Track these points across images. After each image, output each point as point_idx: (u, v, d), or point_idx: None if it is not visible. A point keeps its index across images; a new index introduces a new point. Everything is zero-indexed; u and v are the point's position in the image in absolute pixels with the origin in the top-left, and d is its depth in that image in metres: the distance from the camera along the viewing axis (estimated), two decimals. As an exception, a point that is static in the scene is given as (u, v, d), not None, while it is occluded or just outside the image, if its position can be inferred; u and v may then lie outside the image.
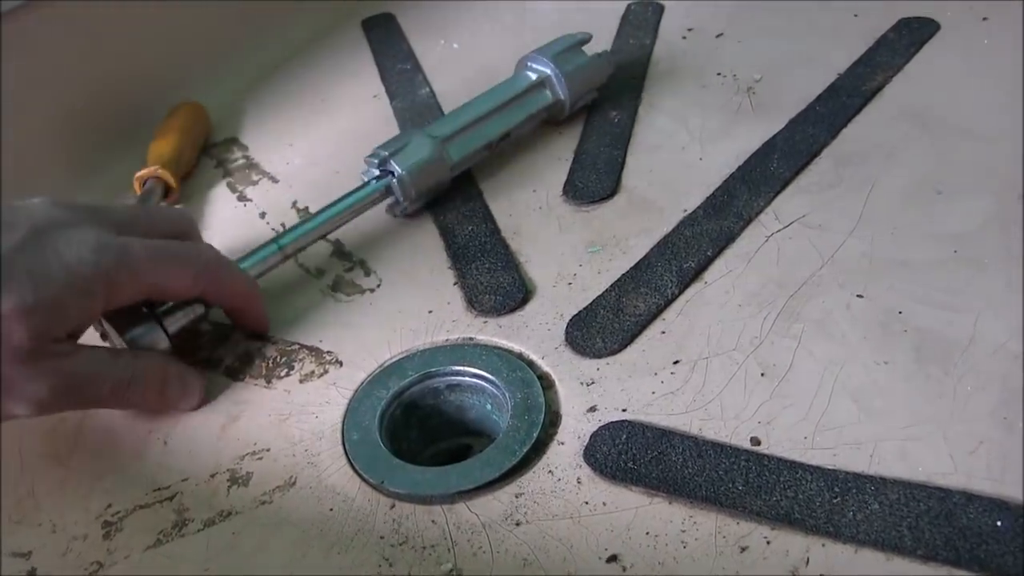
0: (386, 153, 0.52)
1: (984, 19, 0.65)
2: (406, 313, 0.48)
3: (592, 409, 0.41)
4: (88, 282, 0.40)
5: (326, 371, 0.46)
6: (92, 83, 0.62)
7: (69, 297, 0.39)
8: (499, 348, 0.44)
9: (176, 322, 0.45)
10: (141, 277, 0.42)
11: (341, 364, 0.46)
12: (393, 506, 0.39)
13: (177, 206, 0.59)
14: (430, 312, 0.48)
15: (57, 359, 0.39)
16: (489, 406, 0.44)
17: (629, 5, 0.75)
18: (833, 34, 0.67)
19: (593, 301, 0.47)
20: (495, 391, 0.43)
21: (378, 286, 0.51)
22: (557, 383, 0.43)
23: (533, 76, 0.59)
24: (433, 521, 0.38)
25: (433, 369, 0.44)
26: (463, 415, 0.45)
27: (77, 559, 0.39)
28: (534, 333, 0.46)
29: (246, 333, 0.49)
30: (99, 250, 0.40)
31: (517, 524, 0.37)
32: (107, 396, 0.42)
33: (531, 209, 0.55)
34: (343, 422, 0.43)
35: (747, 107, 0.61)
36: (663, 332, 0.45)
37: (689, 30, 0.71)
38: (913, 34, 0.64)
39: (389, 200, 0.54)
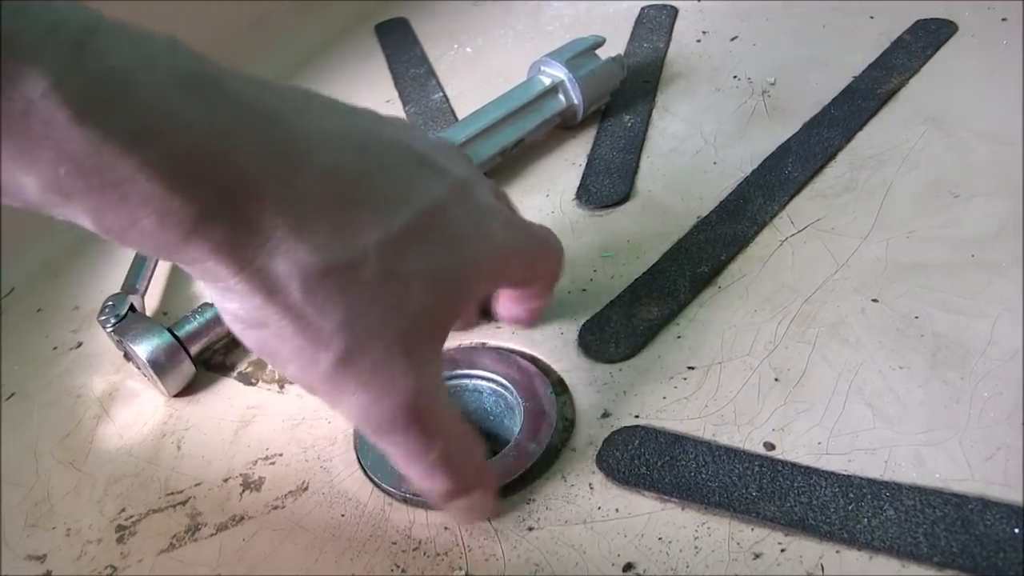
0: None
1: (1003, 20, 0.65)
2: (419, 318, 0.48)
3: (605, 415, 0.41)
4: (499, 260, 0.34)
5: (339, 376, 0.46)
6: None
7: (473, 280, 0.34)
8: (512, 352, 0.44)
9: (197, 343, 0.45)
10: (536, 268, 0.38)
11: (354, 369, 0.46)
12: (405, 511, 0.39)
13: None
14: (443, 317, 0.48)
15: (430, 365, 0.32)
16: (502, 411, 0.44)
17: (643, 8, 0.74)
18: (848, 36, 0.66)
19: (606, 306, 0.47)
20: (508, 396, 0.43)
21: (391, 291, 0.51)
22: (570, 388, 0.43)
23: (546, 81, 0.59)
24: (446, 527, 0.38)
25: (446, 373, 0.44)
26: (476, 420, 0.45)
27: (91, 562, 0.39)
28: (547, 338, 0.46)
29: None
30: (509, 226, 0.35)
31: (530, 530, 0.37)
32: (420, 457, 0.33)
33: (544, 214, 0.54)
34: (356, 427, 0.43)
35: (762, 110, 0.60)
36: (677, 337, 0.45)
37: (703, 33, 0.70)
38: (930, 36, 0.64)
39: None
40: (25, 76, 0.23)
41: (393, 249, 0.30)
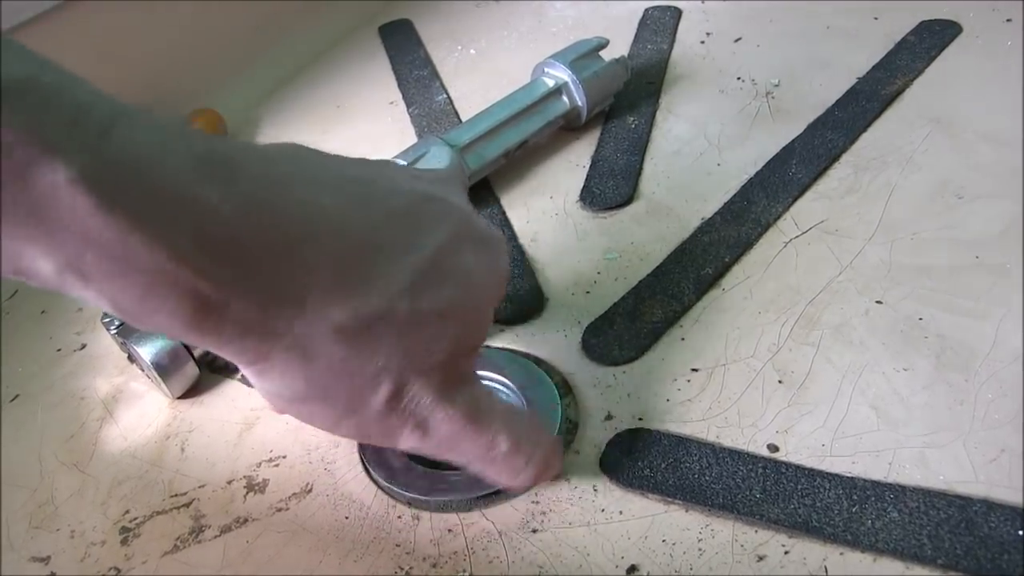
0: (405, 163, 0.52)
1: (1007, 20, 0.64)
2: (423, 320, 0.48)
3: (609, 417, 0.41)
4: (502, 283, 0.36)
5: (343, 378, 0.46)
6: (108, 90, 0.63)
7: (489, 306, 0.35)
8: (516, 354, 0.44)
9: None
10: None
11: (358, 371, 0.46)
12: (409, 513, 0.39)
13: None
14: (447, 319, 0.48)
15: (468, 385, 0.34)
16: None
17: (647, 9, 0.74)
18: (853, 37, 0.66)
19: (610, 308, 0.47)
20: (512, 397, 0.43)
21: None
22: (574, 390, 0.43)
23: (550, 82, 0.59)
24: (449, 529, 0.38)
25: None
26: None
27: (95, 564, 0.39)
28: (551, 340, 0.46)
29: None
30: (502, 244, 0.36)
31: (533, 532, 0.37)
32: (494, 454, 0.34)
33: (548, 216, 0.54)
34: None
35: (765, 112, 0.60)
36: (681, 339, 0.45)
37: (707, 34, 0.70)
38: (934, 37, 0.64)
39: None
40: (52, 164, 0.23)
41: (418, 290, 0.31)
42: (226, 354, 0.29)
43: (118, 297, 0.26)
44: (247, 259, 0.27)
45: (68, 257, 0.25)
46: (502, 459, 0.34)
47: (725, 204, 0.52)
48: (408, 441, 0.33)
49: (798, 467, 0.37)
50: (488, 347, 0.45)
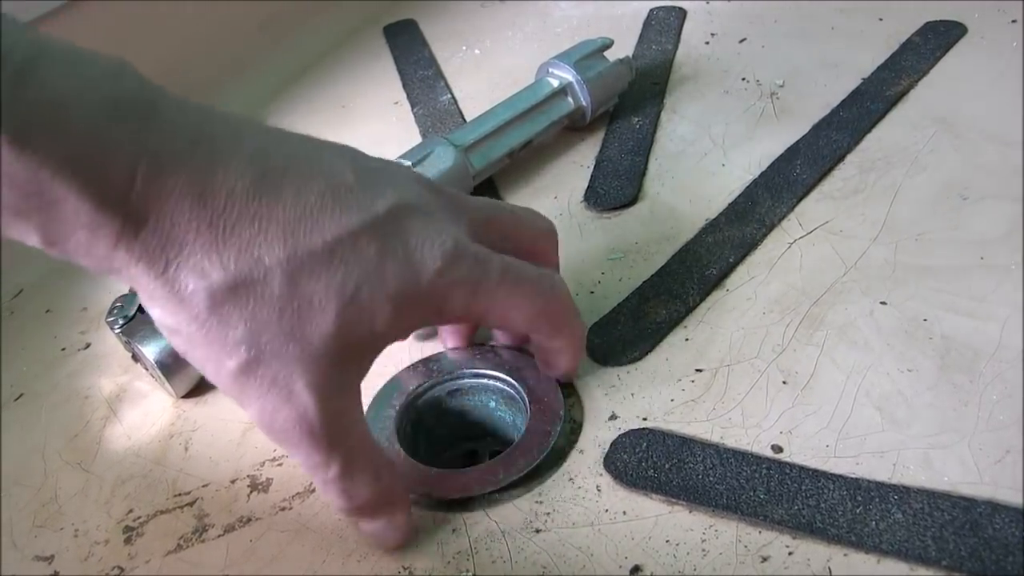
0: (409, 162, 0.52)
1: (1013, 21, 0.64)
2: (427, 319, 0.48)
3: (612, 417, 0.41)
4: (427, 292, 0.34)
5: (346, 377, 0.46)
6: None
7: (398, 302, 0.33)
8: (520, 353, 0.44)
9: None
10: (483, 304, 0.36)
11: (361, 370, 0.46)
12: (413, 512, 0.39)
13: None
14: (451, 318, 0.48)
15: (332, 392, 0.33)
16: (510, 412, 0.44)
17: (651, 10, 0.74)
18: (857, 38, 0.66)
19: (614, 308, 0.47)
20: (516, 396, 0.43)
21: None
22: (578, 390, 0.43)
23: (554, 82, 0.59)
24: (453, 529, 0.38)
25: (453, 372, 0.44)
26: (483, 419, 0.45)
27: (99, 563, 0.39)
28: (554, 340, 0.46)
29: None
30: (453, 257, 0.34)
31: (537, 532, 0.37)
32: (319, 475, 0.34)
33: (552, 216, 0.54)
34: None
35: (770, 112, 0.60)
36: (685, 340, 0.44)
37: (712, 35, 0.70)
38: (939, 37, 0.64)
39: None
40: None
41: (300, 270, 0.32)
42: (122, 281, 0.32)
43: (40, 231, 0.29)
44: (142, 201, 0.29)
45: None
46: (323, 483, 0.34)
47: (729, 204, 0.52)
48: (250, 414, 0.33)
49: (802, 468, 0.37)
50: (492, 346, 0.45)
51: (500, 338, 0.45)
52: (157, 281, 0.31)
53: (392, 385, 0.44)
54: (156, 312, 0.32)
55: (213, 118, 0.32)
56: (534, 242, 0.41)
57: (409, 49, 0.76)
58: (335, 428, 0.33)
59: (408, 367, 0.45)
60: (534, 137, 0.58)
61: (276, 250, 0.31)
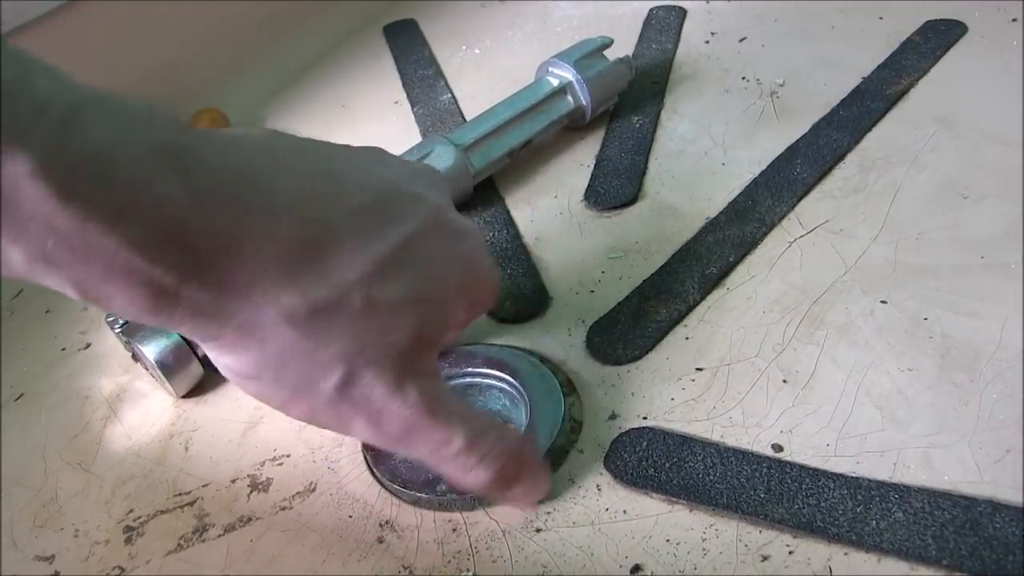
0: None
1: (1013, 20, 0.64)
2: (427, 319, 0.48)
3: (613, 416, 0.41)
4: (475, 291, 0.36)
5: (347, 377, 0.46)
6: (112, 89, 0.63)
7: (455, 301, 0.35)
8: (521, 353, 0.44)
9: None
10: (488, 305, 0.38)
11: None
12: (413, 512, 0.39)
13: None
14: (451, 318, 0.48)
15: (426, 379, 0.33)
16: (509, 411, 0.44)
17: (651, 9, 0.74)
18: (857, 37, 0.66)
19: (614, 307, 0.47)
20: (516, 396, 0.43)
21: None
22: (578, 389, 0.43)
23: (554, 82, 0.59)
24: (453, 529, 0.38)
25: (453, 371, 0.44)
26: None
27: (99, 563, 0.39)
28: (555, 339, 0.46)
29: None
30: (490, 260, 0.37)
31: (537, 531, 0.37)
32: (446, 452, 0.34)
33: (553, 215, 0.54)
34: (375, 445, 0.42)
35: (770, 111, 0.60)
36: (685, 339, 0.44)
37: (712, 34, 0.70)
38: (939, 37, 0.64)
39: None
40: (13, 157, 0.25)
41: (374, 281, 0.32)
42: (183, 332, 0.31)
43: (80, 285, 0.28)
44: (198, 247, 0.28)
45: (34, 246, 0.26)
46: (453, 457, 0.34)
47: (729, 204, 0.52)
48: (360, 432, 0.33)
49: (802, 467, 0.37)
50: (492, 345, 0.45)
51: None
52: (224, 330, 0.30)
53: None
54: (229, 361, 0.32)
55: (243, 148, 0.31)
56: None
57: (409, 49, 0.76)
58: (441, 406, 0.33)
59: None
60: (534, 136, 0.58)
61: (349, 267, 0.31)
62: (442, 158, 0.53)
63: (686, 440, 0.39)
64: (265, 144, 0.32)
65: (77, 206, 0.26)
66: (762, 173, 0.54)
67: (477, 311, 0.37)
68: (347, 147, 0.36)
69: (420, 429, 0.33)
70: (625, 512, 0.37)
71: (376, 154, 0.37)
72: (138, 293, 0.28)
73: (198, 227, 0.28)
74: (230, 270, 0.29)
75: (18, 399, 0.49)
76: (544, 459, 0.38)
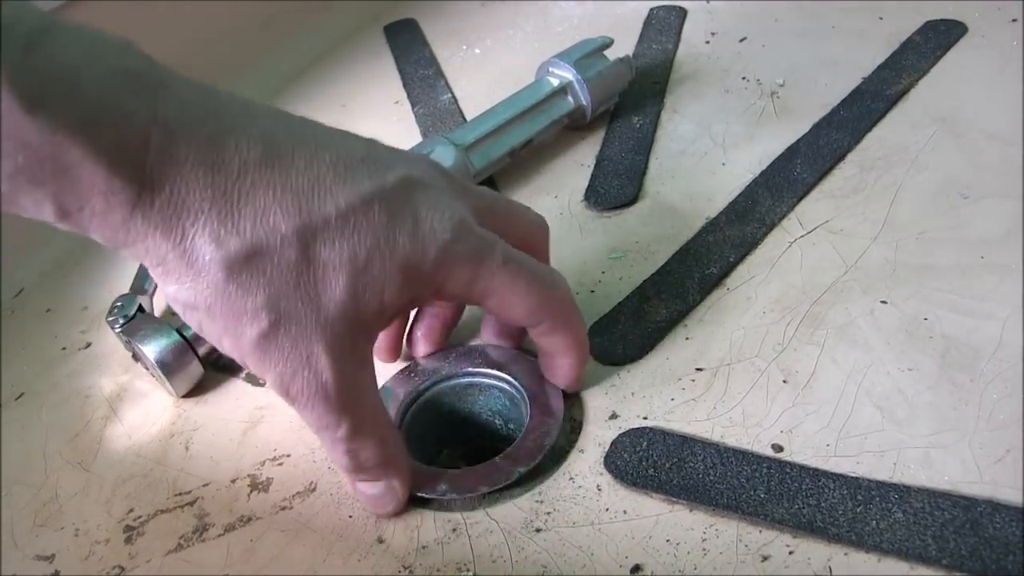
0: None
1: (1013, 20, 0.64)
2: (427, 319, 0.48)
3: (613, 416, 0.41)
4: (433, 264, 0.34)
5: (347, 377, 0.46)
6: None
7: (406, 273, 0.34)
8: (521, 353, 0.44)
9: (206, 344, 0.45)
10: (484, 284, 0.36)
11: (362, 370, 0.46)
12: (413, 512, 0.39)
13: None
14: (451, 318, 0.48)
15: (348, 360, 0.34)
16: (510, 410, 0.44)
17: (651, 9, 0.74)
18: (858, 37, 0.66)
19: (615, 307, 0.47)
20: (516, 396, 0.43)
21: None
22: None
23: (555, 82, 0.59)
24: (453, 528, 0.38)
25: (454, 371, 0.44)
26: (483, 418, 0.45)
27: (99, 563, 0.39)
28: (555, 339, 0.46)
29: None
30: (460, 232, 0.35)
31: (537, 531, 0.37)
32: (326, 435, 0.35)
33: (553, 215, 0.54)
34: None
35: (770, 111, 0.60)
36: (685, 339, 0.44)
37: (712, 34, 0.70)
38: (939, 37, 0.64)
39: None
40: None
41: (314, 237, 0.32)
42: (135, 255, 0.32)
43: (54, 200, 0.29)
44: (156, 167, 0.30)
45: (8, 162, 0.28)
46: (330, 443, 0.35)
47: (730, 204, 0.52)
48: (269, 380, 0.34)
49: (802, 467, 0.37)
50: (493, 345, 0.45)
51: (488, 335, 0.45)
52: (174, 252, 0.31)
53: (392, 385, 0.44)
54: (172, 287, 0.32)
55: (220, 94, 0.32)
56: (529, 235, 0.41)
57: (409, 48, 0.76)
58: (349, 391, 0.34)
59: (408, 367, 0.45)
60: (534, 136, 0.58)
61: (291, 217, 0.32)
62: (442, 158, 0.53)
63: (686, 440, 0.39)
64: (240, 97, 0.33)
65: (44, 118, 0.27)
66: (762, 173, 0.54)
67: (415, 301, 0.37)
68: (335, 128, 0.36)
69: (317, 404, 0.34)
70: (625, 512, 0.37)
71: (366, 139, 0.37)
72: (102, 203, 0.29)
73: (157, 146, 0.30)
74: (182, 197, 0.30)
75: (18, 398, 0.49)
76: (407, 479, 0.38)
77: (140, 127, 0.29)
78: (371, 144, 0.36)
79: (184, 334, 0.45)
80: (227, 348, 0.33)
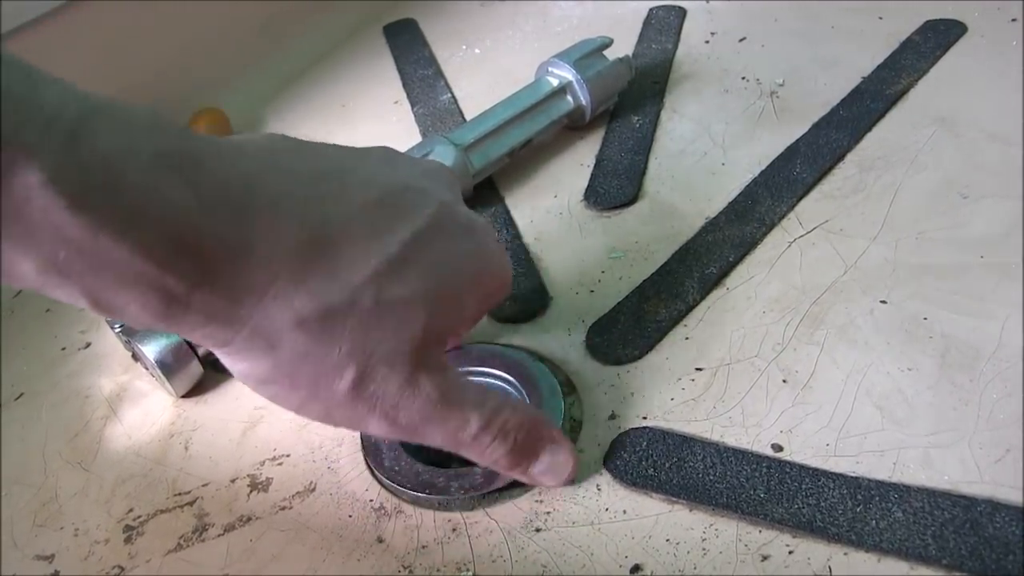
0: (409, 158, 0.52)
1: (1012, 20, 0.64)
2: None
3: (612, 416, 0.41)
4: (487, 284, 0.36)
5: (347, 377, 0.46)
6: (113, 89, 0.63)
7: (469, 295, 0.35)
8: (521, 352, 0.44)
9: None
10: (501, 297, 0.38)
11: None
12: (413, 512, 0.39)
13: None
14: (451, 318, 0.48)
15: (438, 371, 0.34)
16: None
17: (651, 9, 0.74)
18: (857, 37, 0.66)
19: (614, 307, 0.47)
20: (515, 395, 0.43)
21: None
22: (578, 389, 0.43)
23: (554, 82, 0.59)
24: (453, 528, 0.38)
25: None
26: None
27: (99, 563, 0.39)
28: (555, 339, 0.46)
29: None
30: (501, 252, 0.37)
31: (537, 531, 0.37)
32: (464, 436, 0.35)
33: (553, 215, 0.54)
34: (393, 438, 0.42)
35: (770, 111, 0.60)
36: (685, 338, 0.44)
37: (712, 34, 0.70)
38: (939, 36, 0.64)
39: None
40: (24, 169, 0.25)
41: (384, 280, 0.32)
42: (194, 339, 0.31)
43: (91, 293, 0.28)
44: (208, 253, 0.29)
45: (46, 257, 0.26)
46: (470, 441, 0.35)
47: (729, 203, 0.52)
48: (376, 427, 0.33)
49: (802, 467, 0.37)
50: (492, 345, 0.45)
51: None
52: (239, 336, 0.30)
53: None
54: (243, 367, 0.32)
55: (247, 155, 0.31)
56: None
57: (409, 48, 0.76)
58: (454, 390, 0.34)
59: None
60: (534, 136, 0.58)
61: (360, 267, 0.32)
62: (442, 158, 0.53)
63: (686, 440, 0.39)
64: (270, 148, 0.32)
65: (88, 215, 0.26)
66: (762, 173, 0.54)
67: (490, 304, 0.38)
68: (354, 148, 0.36)
69: (434, 420, 0.34)
70: (625, 512, 0.37)
71: (383, 153, 0.37)
72: (150, 301, 0.28)
73: (207, 233, 0.28)
74: (240, 275, 0.29)
75: (18, 398, 0.49)
76: (570, 444, 0.38)
77: (186, 217, 0.28)
78: (404, 167, 0.36)
79: (196, 342, 0.45)
80: (315, 412, 0.33)
